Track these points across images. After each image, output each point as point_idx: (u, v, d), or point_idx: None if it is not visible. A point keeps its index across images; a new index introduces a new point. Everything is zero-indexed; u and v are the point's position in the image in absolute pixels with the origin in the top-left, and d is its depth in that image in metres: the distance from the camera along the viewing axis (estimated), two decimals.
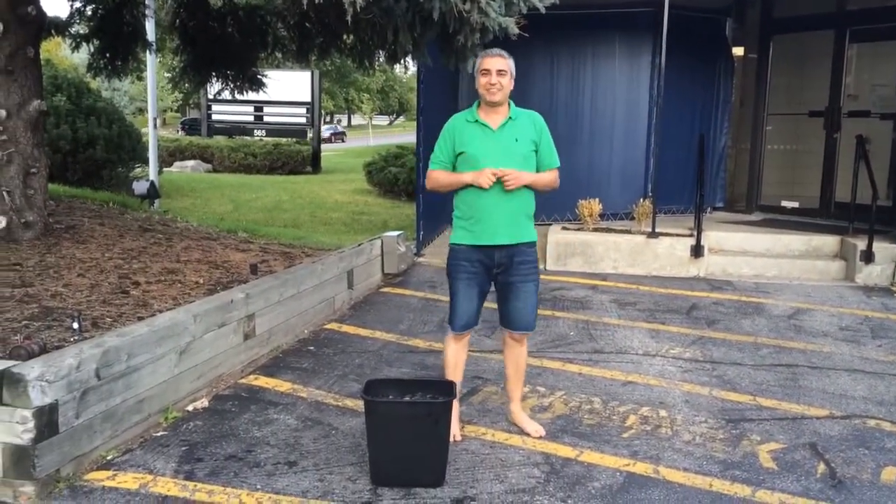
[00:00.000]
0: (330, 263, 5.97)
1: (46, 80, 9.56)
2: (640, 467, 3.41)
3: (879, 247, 7.27)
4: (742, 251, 8.09)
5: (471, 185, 3.52)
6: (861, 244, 7.31)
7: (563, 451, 3.57)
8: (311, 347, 5.08)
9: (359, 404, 3.92)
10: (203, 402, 3.99)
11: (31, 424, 2.89)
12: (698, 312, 6.21)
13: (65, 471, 3.06)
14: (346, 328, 5.56)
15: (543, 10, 6.24)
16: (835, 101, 9.21)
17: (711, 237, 8.12)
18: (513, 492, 3.16)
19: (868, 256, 7.26)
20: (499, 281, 3.64)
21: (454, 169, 3.61)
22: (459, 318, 3.64)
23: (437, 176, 3.65)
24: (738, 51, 10.38)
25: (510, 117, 3.60)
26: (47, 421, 2.96)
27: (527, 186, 3.58)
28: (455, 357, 3.74)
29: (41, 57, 6.28)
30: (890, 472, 3.39)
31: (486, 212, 3.52)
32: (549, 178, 3.67)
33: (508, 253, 3.57)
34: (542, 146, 3.66)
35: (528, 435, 3.73)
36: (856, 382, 4.58)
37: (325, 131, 52.79)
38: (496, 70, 3.50)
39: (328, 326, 5.57)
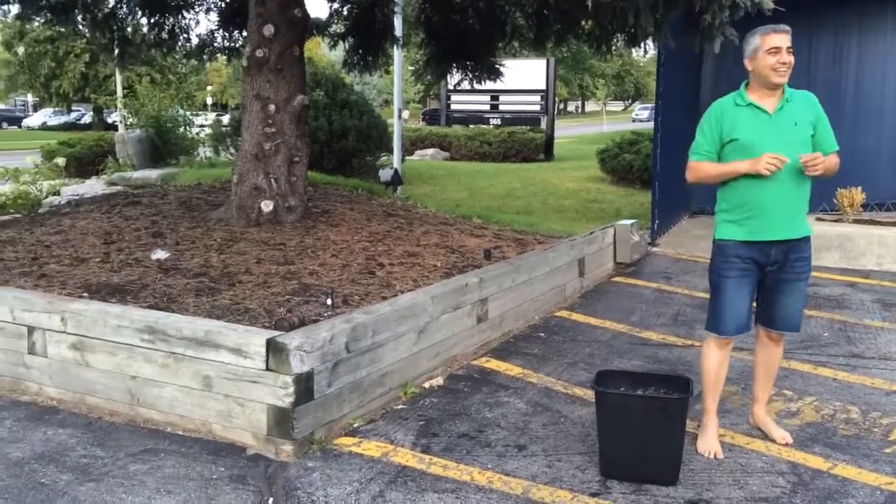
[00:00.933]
0: (561, 251, 5.97)
1: (308, 76, 10.53)
2: None
3: None
4: None
5: (745, 176, 3.20)
6: None
7: (813, 461, 3.28)
8: (542, 334, 5.12)
9: (588, 394, 3.89)
10: (438, 380, 4.19)
11: (291, 389, 3.21)
12: None
13: (318, 434, 3.37)
14: (576, 316, 5.53)
15: None
16: None
17: None
18: (754, 499, 2.96)
19: None
20: (769, 278, 3.34)
21: (720, 159, 3.31)
22: (730, 320, 3.32)
23: (703, 167, 3.34)
24: None
25: (787, 99, 3.26)
26: (305, 387, 3.28)
27: (810, 175, 3.21)
28: (719, 366, 3.42)
29: (304, 55, 6.91)
30: None
31: (766, 204, 3.22)
32: (835, 162, 3.33)
33: (785, 249, 3.28)
34: (821, 128, 3.30)
35: (772, 441, 3.46)
36: None
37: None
38: (786, 48, 3.16)
39: (558, 314, 5.58)
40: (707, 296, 3.52)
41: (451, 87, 20.78)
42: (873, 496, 2.99)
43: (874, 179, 8.18)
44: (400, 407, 3.85)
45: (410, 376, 4.07)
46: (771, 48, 3.16)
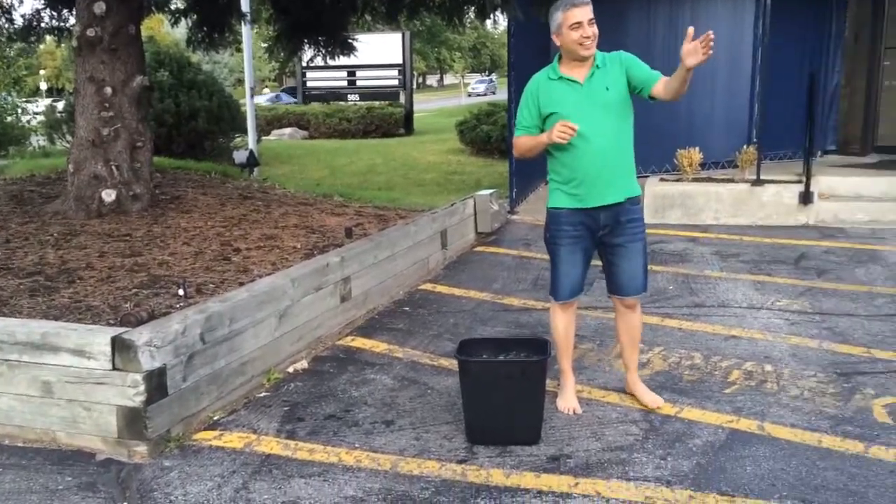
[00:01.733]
0: (423, 224, 5.99)
1: (150, 56, 9.96)
2: (744, 424, 3.29)
3: None
4: (856, 196, 7.60)
5: (563, 148, 3.24)
6: None
7: (663, 407, 3.48)
8: (407, 308, 5.14)
9: (454, 363, 3.93)
10: (303, 364, 4.11)
11: (142, 388, 3.05)
12: (807, 262, 5.90)
13: (175, 431, 3.23)
14: (440, 288, 5.59)
15: None
16: None
17: (822, 182, 7.66)
18: (610, 449, 3.11)
19: None
20: (605, 243, 3.39)
21: (542, 132, 3.32)
22: (565, 286, 3.42)
23: (521, 142, 3.42)
24: None
25: (597, 66, 3.30)
26: (157, 384, 3.12)
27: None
28: (566, 329, 3.52)
29: (143, 34, 6.51)
30: None
31: (589, 171, 3.26)
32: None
33: (614, 212, 3.32)
34: (637, 70, 3.31)
35: (645, 406, 3.49)
36: None
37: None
38: (587, 20, 3.20)
39: (423, 287, 5.62)
40: None
41: (305, 64, 20.33)
42: (716, 434, 3.22)
43: (710, 140, 8.73)
44: (263, 394, 3.75)
45: (273, 362, 3.97)
46: (573, 23, 3.19)
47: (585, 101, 3.26)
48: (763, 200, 7.37)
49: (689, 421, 3.35)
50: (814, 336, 4.31)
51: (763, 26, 7.97)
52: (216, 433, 3.31)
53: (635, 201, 3.38)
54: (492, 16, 7.96)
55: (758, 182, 7.44)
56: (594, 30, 3.23)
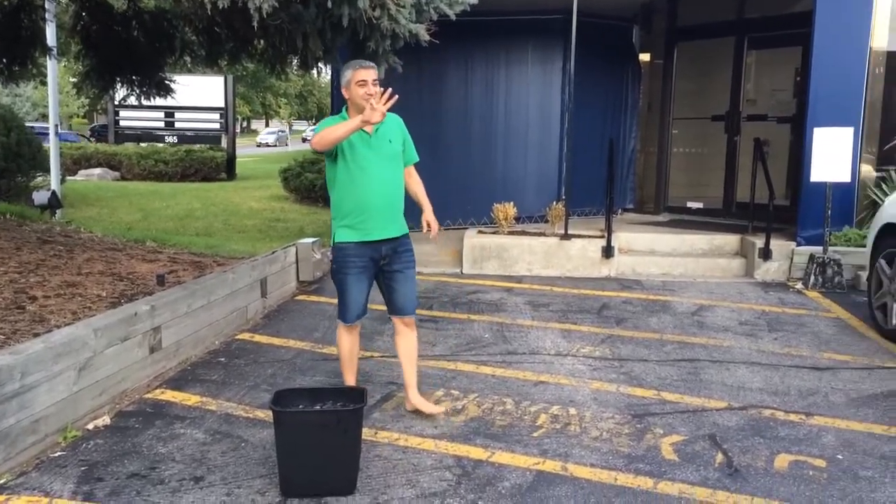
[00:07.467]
0: (242, 272, 5.86)
1: None
2: (550, 465, 3.48)
3: (776, 244, 7.63)
4: (650, 251, 8.36)
5: (352, 188, 3.78)
6: (759, 242, 7.66)
7: (475, 452, 3.61)
8: (222, 359, 4.97)
9: (270, 415, 3.85)
10: (105, 420, 3.85)
11: None
12: (608, 311, 6.38)
13: None
14: (258, 338, 5.46)
15: (454, 17, 6.31)
16: (735, 105, 9.65)
17: (622, 238, 8.36)
18: (424, 496, 3.17)
19: (766, 254, 7.61)
20: (385, 271, 3.94)
21: (335, 160, 3.79)
22: (353, 310, 3.93)
23: (328, 130, 3.67)
24: (645, 57, 10.75)
25: (381, 121, 3.79)
26: None
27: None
28: (352, 348, 4.07)
29: None
30: (782, 460, 3.56)
31: (376, 208, 3.82)
32: (416, 178, 4.17)
33: (394, 245, 3.92)
34: (407, 146, 4.02)
35: (426, 415, 3.99)
36: (753, 374, 4.79)
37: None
38: (372, 80, 3.75)
39: (240, 337, 5.46)
40: None
41: (118, 103, 19.34)
42: (524, 476, 3.37)
43: (524, 195, 9.27)
44: (58, 454, 3.46)
45: (71, 418, 3.69)
46: (359, 80, 3.75)
47: (373, 150, 3.82)
48: (571, 253, 7.90)
49: (500, 465, 3.49)
50: (612, 381, 4.65)
51: (569, 93, 8.65)
52: (2, 498, 3.01)
53: (407, 236, 4.02)
54: (316, 66, 8.04)
55: (566, 236, 7.98)
56: (377, 89, 3.75)
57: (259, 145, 46.65)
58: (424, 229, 4.08)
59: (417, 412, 4.04)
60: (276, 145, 47.70)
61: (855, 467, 3.50)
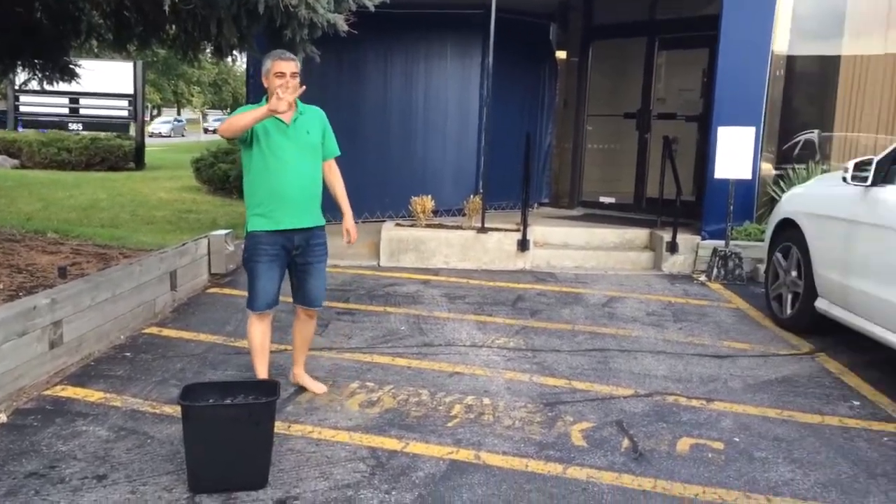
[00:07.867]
0: (150, 264, 5.68)
1: None
2: (463, 454, 3.52)
3: (682, 238, 7.93)
4: (564, 244, 8.54)
5: (266, 176, 3.77)
6: (667, 236, 7.94)
7: (390, 443, 3.61)
8: (128, 353, 4.81)
9: (178, 411, 3.76)
10: (1, 418, 3.67)
11: None
12: (523, 303, 6.49)
13: None
14: (167, 332, 5.31)
15: (373, 9, 6.27)
16: (646, 103, 9.95)
17: (537, 231, 8.51)
18: (337, 488, 3.16)
19: (672, 247, 7.90)
20: (296, 262, 3.96)
21: (250, 147, 3.77)
22: (263, 298, 3.90)
23: (238, 117, 3.64)
24: (561, 54, 10.95)
25: (300, 112, 3.88)
26: None
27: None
28: (263, 338, 4.03)
29: None
30: (684, 443, 3.72)
31: (290, 197, 3.80)
32: (337, 174, 4.15)
33: (306, 236, 3.92)
34: (327, 138, 4.03)
35: (313, 393, 4.16)
36: (658, 363, 4.97)
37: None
38: (290, 73, 3.74)
39: (148, 331, 5.30)
40: None
41: (18, 87, 18.38)
42: (438, 466, 3.40)
43: (442, 188, 9.30)
44: None
45: None
46: (277, 72, 3.73)
47: (290, 140, 3.82)
48: (487, 247, 7.99)
49: (414, 455, 3.51)
50: (525, 371, 4.74)
51: (487, 88, 8.74)
52: None
53: (322, 228, 4.02)
54: (231, 53, 7.85)
55: (483, 230, 8.06)
56: (295, 81, 3.76)
57: (151, 135, 42.88)
58: (344, 238, 4.15)
59: (303, 389, 4.22)
60: (170, 136, 45.19)
61: (750, 449, 3.68)
